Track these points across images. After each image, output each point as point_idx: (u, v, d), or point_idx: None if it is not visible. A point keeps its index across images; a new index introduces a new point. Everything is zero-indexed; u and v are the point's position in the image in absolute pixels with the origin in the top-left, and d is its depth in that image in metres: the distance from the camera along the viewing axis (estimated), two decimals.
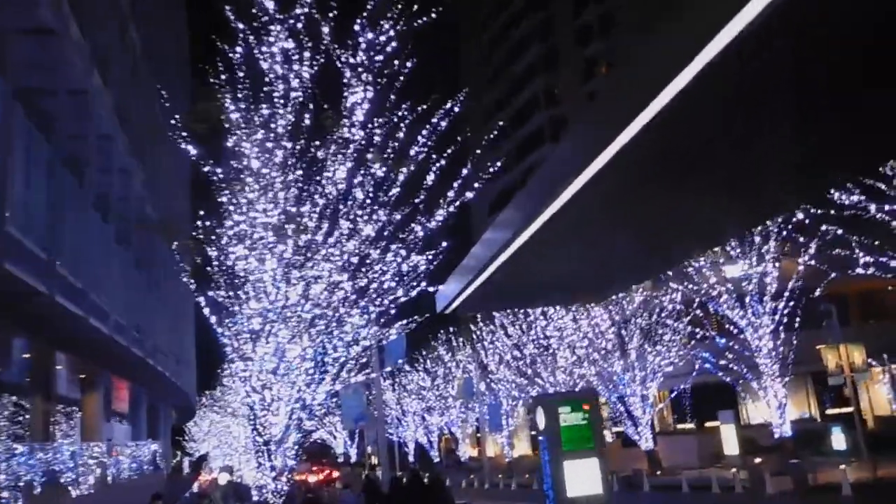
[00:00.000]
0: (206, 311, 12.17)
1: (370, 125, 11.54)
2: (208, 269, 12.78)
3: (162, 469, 40.33)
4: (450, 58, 70.65)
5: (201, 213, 12.58)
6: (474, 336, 39.21)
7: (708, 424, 29.34)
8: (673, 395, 30.98)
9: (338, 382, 15.73)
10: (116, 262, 20.38)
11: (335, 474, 39.45)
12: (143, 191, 24.33)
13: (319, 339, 12.98)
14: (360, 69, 11.61)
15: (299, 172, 11.59)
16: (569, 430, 5.90)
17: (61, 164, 14.80)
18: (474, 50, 69.18)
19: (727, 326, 22.98)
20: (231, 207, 12.03)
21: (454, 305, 5.87)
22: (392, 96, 12.02)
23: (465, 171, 12.12)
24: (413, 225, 12.47)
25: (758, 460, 19.68)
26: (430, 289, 12.87)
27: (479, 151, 12.28)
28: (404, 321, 19.34)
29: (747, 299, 22.49)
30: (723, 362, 23.29)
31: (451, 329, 43.00)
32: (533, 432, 47.34)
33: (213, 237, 12.26)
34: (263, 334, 12.26)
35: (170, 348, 34.23)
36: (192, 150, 11.44)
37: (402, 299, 15.44)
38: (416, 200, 12.33)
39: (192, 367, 54.86)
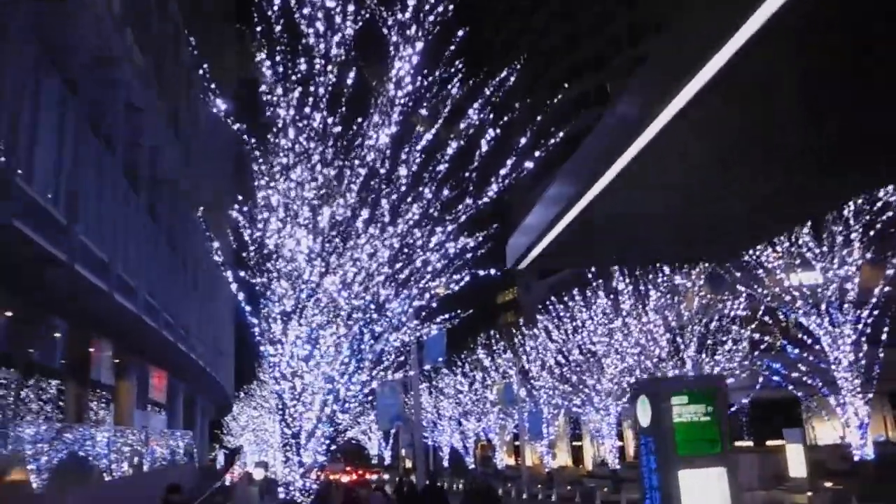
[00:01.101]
0: (234, 286, 11.14)
1: (418, 79, 10.31)
2: (241, 245, 11.90)
3: (195, 460, 40.10)
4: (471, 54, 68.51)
5: (239, 197, 11.67)
6: (516, 340, 37.81)
7: (769, 443, 27.15)
8: (732, 410, 28.87)
9: (374, 380, 14.64)
10: (147, 240, 19.70)
11: (368, 476, 38.49)
12: (179, 165, 23.70)
13: (356, 326, 11.85)
14: (405, 27, 10.44)
15: (338, 129, 10.42)
16: (686, 427, 4.39)
17: (90, 131, 14.11)
18: (498, 45, 66.83)
19: (800, 336, 20.90)
20: (265, 174, 11.03)
21: (529, 259, 4.48)
22: (441, 67, 10.85)
23: (523, 141, 10.75)
24: (465, 201, 11.16)
25: (828, 484, 17.74)
26: (481, 272, 11.58)
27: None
28: (445, 315, 18.22)
29: (823, 306, 20.41)
30: (794, 375, 21.19)
31: (492, 332, 41.65)
32: (569, 441, 45.45)
33: (248, 209, 11.30)
34: (295, 316, 11.21)
35: (206, 339, 33.77)
36: (222, 105, 10.44)
37: (445, 292, 14.34)
38: (467, 173, 11.04)
39: (230, 361, 54.84)
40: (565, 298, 32.26)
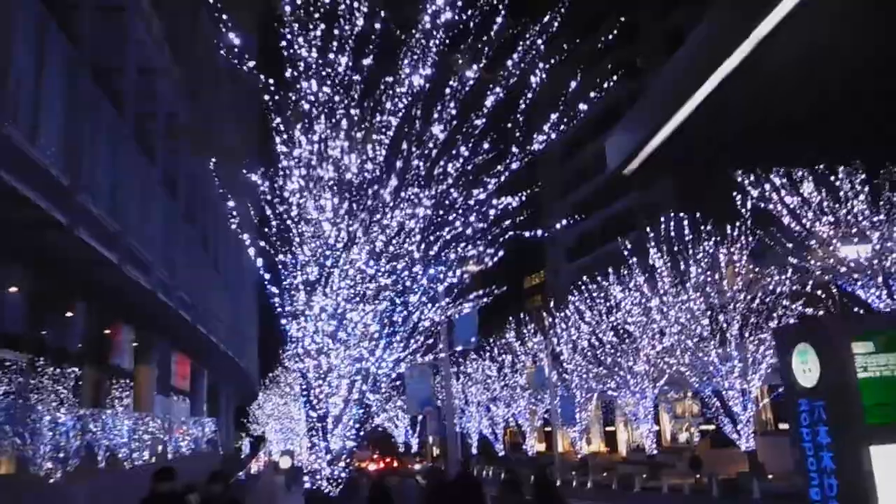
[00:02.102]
0: (252, 251, 10.14)
1: (456, 12, 9.12)
2: (263, 215, 10.93)
3: (220, 447, 39.66)
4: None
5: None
6: (546, 322, 36.60)
7: None
8: (779, 392, 27.47)
9: (402, 362, 13.63)
10: (164, 213, 18.75)
11: (408, 466, 37.76)
12: (197, 130, 22.69)
13: (385, 302, 10.80)
14: None
15: (369, 61, 9.27)
16: (876, 386, 3.12)
17: (101, 95, 13.17)
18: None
19: (855, 309, 19.50)
20: (287, 139, 9.99)
21: (640, 159, 3.21)
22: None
23: (573, 84, 9.52)
24: (506, 156, 9.97)
25: None
26: (526, 233, 10.42)
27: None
28: (479, 292, 17.24)
29: (880, 278, 19.09)
30: None
31: (522, 315, 40.51)
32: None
33: (271, 171, 10.30)
34: (319, 286, 10.18)
35: (229, 322, 33.02)
36: (235, 40, 9.36)
37: (478, 268, 13.31)
38: (510, 123, 9.84)
39: (254, 347, 54.40)
40: (598, 278, 31.02)
